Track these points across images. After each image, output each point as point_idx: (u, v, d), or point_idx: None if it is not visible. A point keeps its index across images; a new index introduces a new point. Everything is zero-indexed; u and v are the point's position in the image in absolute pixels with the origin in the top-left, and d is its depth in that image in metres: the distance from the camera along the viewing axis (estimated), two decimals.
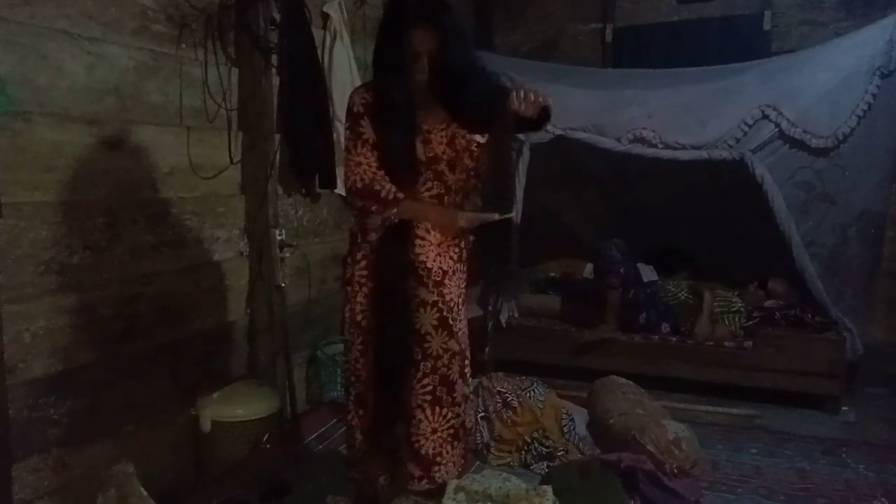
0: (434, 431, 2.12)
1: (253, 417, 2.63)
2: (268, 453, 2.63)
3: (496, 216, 2.03)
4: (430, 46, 1.97)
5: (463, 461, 2.26)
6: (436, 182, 2.09)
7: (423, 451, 2.11)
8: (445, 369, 2.11)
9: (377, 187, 2.02)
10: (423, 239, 2.08)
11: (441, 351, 2.10)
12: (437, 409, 2.11)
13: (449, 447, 2.15)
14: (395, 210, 2.03)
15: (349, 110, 2.09)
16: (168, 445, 2.56)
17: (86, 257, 2.22)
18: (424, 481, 2.14)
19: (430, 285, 2.08)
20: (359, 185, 2.03)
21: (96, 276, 2.26)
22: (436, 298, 2.08)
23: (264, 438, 2.63)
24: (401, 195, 2.02)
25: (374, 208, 2.04)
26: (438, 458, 2.13)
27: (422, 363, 2.09)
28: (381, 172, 2.04)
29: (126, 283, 2.37)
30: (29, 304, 2.04)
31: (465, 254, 2.21)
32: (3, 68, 1.94)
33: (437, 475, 2.15)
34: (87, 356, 2.23)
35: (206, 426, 2.58)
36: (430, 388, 2.10)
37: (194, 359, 2.70)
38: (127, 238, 2.37)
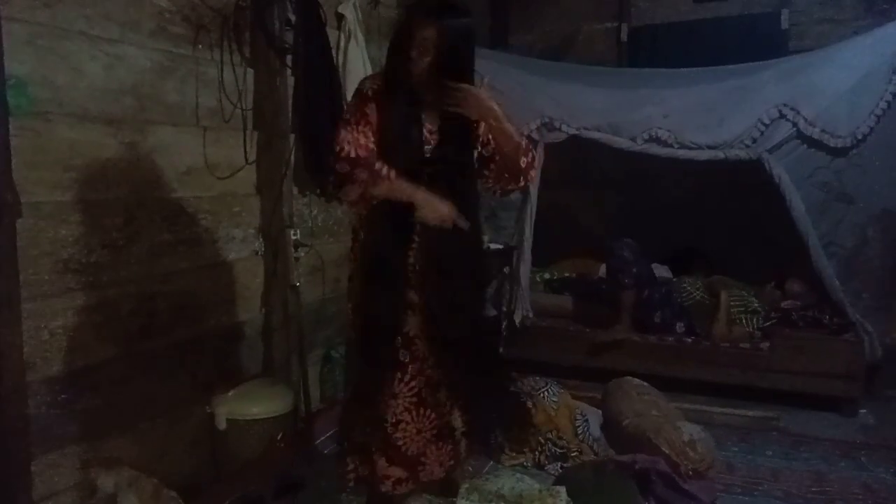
0: (419, 432, 2.15)
1: (268, 415, 2.64)
2: (282, 451, 2.65)
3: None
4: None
5: (452, 462, 2.28)
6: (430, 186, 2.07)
7: (408, 452, 2.14)
8: (431, 371, 2.13)
9: (373, 161, 1.93)
10: (412, 241, 2.08)
11: (427, 353, 2.12)
12: (422, 410, 2.14)
13: (434, 447, 2.19)
14: (385, 184, 1.93)
15: (359, 91, 2.06)
16: (184, 442, 2.59)
17: (104, 256, 2.25)
18: (410, 483, 2.18)
19: (418, 288, 2.09)
20: (352, 154, 1.92)
21: (114, 275, 2.28)
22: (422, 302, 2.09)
23: (279, 436, 2.65)
24: (394, 174, 1.93)
25: (364, 176, 1.92)
26: (423, 458, 2.17)
27: (409, 366, 2.11)
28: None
29: (143, 282, 2.40)
30: (48, 301, 2.07)
31: None
32: (23, 69, 1.97)
33: (422, 475, 2.18)
34: (105, 353, 2.26)
35: (221, 424, 2.60)
36: (416, 390, 2.12)
37: (210, 356, 2.72)
38: (144, 237, 2.40)
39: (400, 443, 2.13)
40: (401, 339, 2.10)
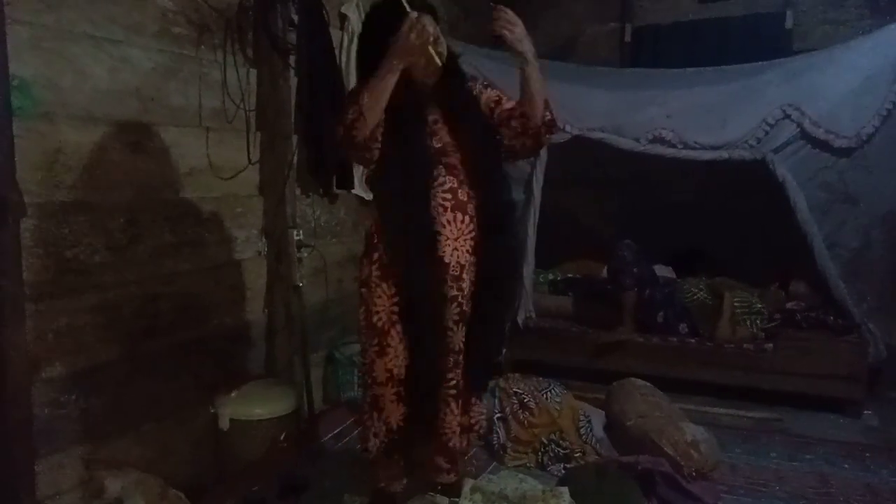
0: (460, 425, 2.15)
1: (270, 416, 2.65)
2: (285, 452, 2.65)
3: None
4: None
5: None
6: (448, 176, 2.07)
7: (451, 444, 2.14)
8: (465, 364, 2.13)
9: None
10: (439, 234, 2.05)
11: (461, 345, 2.10)
12: (461, 402, 2.14)
13: (465, 439, 2.22)
14: (366, 95, 1.90)
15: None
16: (188, 442, 2.59)
17: (107, 257, 2.25)
18: (452, 474, 2.20)
19: (450, 280, 2.06)
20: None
21: (117, 276, 2.29)
22: (455, 293, 2.06)
23: (282, 437, 2.65)
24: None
25: (349, 109, 1.93)
26: (462, 451, 2.21)
27: (446, 358, 2.09)
28: None
29: (146, 283, 2.40)
30: (52, 302, 2.07)
31: (478, 247, 2.18)
32: (28, 71, 1.97)
33: (462, 467, 2.22)
34: (109, 354, 2.26)
35: (224, 424, 2.60)
36: (454, 382, 2.10)
37: (214, 357, 2.73)
38: (147, 238, 2.40)
39: (440, 431, 2.13)
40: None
